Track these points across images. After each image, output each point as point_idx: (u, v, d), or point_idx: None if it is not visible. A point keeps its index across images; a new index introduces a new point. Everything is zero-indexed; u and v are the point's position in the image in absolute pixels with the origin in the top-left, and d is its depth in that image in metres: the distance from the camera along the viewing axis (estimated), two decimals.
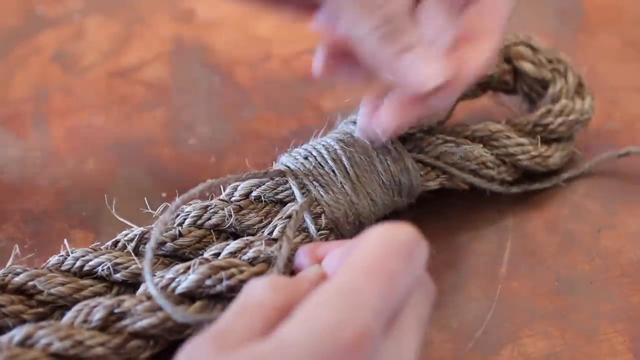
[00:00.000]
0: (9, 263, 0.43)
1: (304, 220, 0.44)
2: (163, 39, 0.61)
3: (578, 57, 0.57)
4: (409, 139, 0.47)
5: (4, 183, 0.52)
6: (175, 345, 0.40)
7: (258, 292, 0.35)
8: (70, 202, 0.51)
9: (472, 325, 0.44)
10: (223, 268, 0.40)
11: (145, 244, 0.43)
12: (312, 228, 0.44)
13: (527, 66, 0.50)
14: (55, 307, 0.42)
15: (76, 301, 0.42)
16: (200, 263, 0.41)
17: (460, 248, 0.48)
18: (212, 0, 0.64)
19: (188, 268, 0.41)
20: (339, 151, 0.45)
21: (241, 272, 0.41)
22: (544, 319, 0.44)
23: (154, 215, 0.45)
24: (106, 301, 0.40)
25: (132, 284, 0.43)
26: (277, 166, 0.46)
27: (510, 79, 0.51)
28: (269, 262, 0.42)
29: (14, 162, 0.53)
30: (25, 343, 0.38)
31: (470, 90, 0.50)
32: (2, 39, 0.62)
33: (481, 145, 0.47)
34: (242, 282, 0.40)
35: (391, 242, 0.35)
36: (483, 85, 0.51)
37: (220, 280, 0.40)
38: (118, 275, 0.43)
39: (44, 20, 0.63)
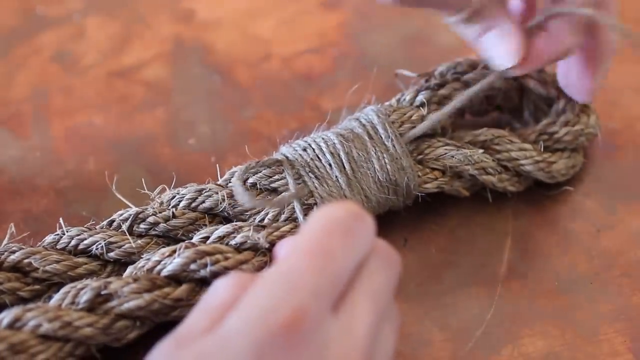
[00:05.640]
0: (4, 242, 0.44)
1: (294, 210, 0.44)
2: (163, 39, 0.61)
3: None
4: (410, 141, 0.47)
5: (4, 183, 0.52)
6: (163, 325, 0.41)
7: (220, 290, 0.35)
8: (70, 202, 0.51)
9: (472, 325, 0.44)
10: (208, 253, 0.41)
11: (139, 224, 0.44)
12: (300, 217, 0.44)
13: (532, 83, 0.50)
14: (51, 284, 0.43)
15: (71, 278, 0.43)
16: (186, 247, 0.42)
17: (460, 248, 0.48)
18: (212, 0, 0.64)
19: (174, 251, 0.42)
20: (338, 145, 0.45)
21: (226, 258, 0.41)
22: (544, 319, 0.44)
23: (150, 197, 0.46)
24: (93, 283, 0.40)
25: (125, 263, 0.44)
26: (276, 155, 0.46)
27: (516, 96, 0.51)
28: (255, 249, 0.42)
29: (14, 162, 0.53)
30: (14, 325, 0.39)
31: (477, 107, 0.50)
32: (2, 39, 0.62)
33: (482, 150, 0.47)
34: (227, 269, 0.41)
35: (327, 220, 0.35)
36: (490, 100, 0.51)
37: (205, 266, 0.41)
38: (112, 254, 0.44)
39: (44, 20, 0.63)
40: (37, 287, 0.43)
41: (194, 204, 0.45)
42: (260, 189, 0.46)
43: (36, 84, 0.58)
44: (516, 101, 0.51)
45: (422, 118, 0.47)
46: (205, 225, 0.45)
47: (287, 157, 0.46)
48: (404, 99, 0.49)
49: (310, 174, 0.45)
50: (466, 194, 0.48)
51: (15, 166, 0.53)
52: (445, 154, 0.47)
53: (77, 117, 0.56)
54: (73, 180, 0.52)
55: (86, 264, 0.43)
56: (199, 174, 0.51)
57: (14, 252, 0.43)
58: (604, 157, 0.52)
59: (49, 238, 0.44)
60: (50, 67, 0.59)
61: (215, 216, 0.45)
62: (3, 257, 0.43)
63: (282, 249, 0.42)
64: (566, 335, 0.44)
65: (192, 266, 0.41)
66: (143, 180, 0.47)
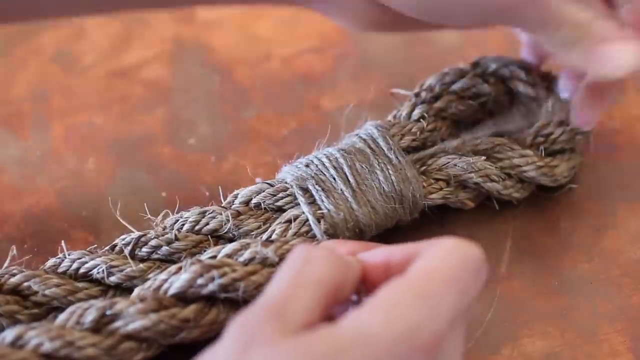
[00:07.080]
0: (5, 264, 0.43)
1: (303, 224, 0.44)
2: (163, 39, 0.61)
3: None
4: (412, 151, 0.47)
5: (4, 183, 0.52)
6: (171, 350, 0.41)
7: (316, 265, 0.34)
8: (70, 202, 0.51)
9: (472, 325, 0.44)
10: (215, 267, 0.40)
11: (142, 247, 0.43)
12: (316, 229, 0.44)
13: (521, 86, 0.50)
14: (50, 309, 0.42)
15: (70, 303, 0.41)
16: (192, 263, 0.40)
17: None
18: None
19: (180, 268, 0.40)
20: (340, 159, 0.45)
21: (234, 270, 0.40)
22: (544, 318, 0.44)
23: (154, 223, 0.45)
24: (98, 303, 0.39)
25: (127, 288, 0.43)
26: (279, 175, 0.46)
27: (506, 100, 0.51)
28: (264, 263, 0.41)
29: (14, 162, 0.53)
30: (16, 344, 0.38)
31: (472, 116, 0.50)
32: (2, 39, 0.62)
33: (484, 158, 0.47)
34: (236, 280, 0.40)
35: (465, 257, 0.36)
36: (482, 107, 0.50)
37: (212, 279, 0.39)
38: (113, 278, 0.42)
39: (44, 20, 0.63)
40: (35, 311, 0.42)
41: (197, 227, 0.44)
42: (265, 208, 0.45)
43: (36, 84, 0.58)
44: (507, 106, 0.51)
45: (422, 130, 0.47)
46: (210, 247, 0.43)
47: (291, 174, 0.45)
48: (400, 115, 0.48)
49: (317, 186, 0.45)
50: (471, 205, 0.48)
51: (15, 166, 0.53)
52: (448, 162, 0.46)
53: (77, 117, 0.56)
54: (73, 180, 0.52)
55: (87, 288, 0.42)
56: (199, 174, 0.52)
57: (14, 275, 0.42)
58: (604, 157, 0.52)
59: (50, 262, 0.43)
60: (50, 67, 0.59)
61: (219, 238, 0.44)
62: (3, 279, 0.42)
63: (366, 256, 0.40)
64: (566, 335, 0.44)
65: (199, 281, 0.39)
66: (143, 182, 0.47)
